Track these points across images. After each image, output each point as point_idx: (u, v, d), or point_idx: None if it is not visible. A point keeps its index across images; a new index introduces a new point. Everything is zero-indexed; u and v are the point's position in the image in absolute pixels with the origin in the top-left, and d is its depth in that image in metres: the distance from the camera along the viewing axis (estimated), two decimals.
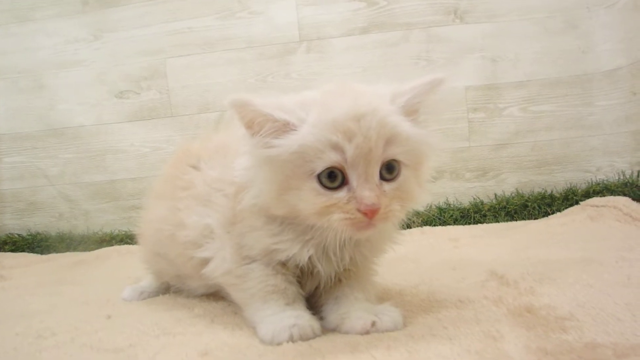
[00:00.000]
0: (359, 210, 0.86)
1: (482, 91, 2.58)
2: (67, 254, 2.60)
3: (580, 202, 2.23)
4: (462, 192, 2.60)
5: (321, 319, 1.02)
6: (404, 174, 0.92)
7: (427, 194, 1.00)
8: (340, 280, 1.06)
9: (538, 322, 0.88)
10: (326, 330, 0.98)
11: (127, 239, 2.66)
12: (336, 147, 0.87)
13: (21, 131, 2.91)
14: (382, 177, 0.90)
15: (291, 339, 0.91)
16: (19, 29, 2.88)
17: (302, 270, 1.03)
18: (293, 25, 2.69)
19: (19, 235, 2.87)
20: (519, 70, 2.55)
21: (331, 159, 0.87)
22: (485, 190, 2.59)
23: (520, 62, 2.55)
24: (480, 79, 2.58)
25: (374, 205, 0.86)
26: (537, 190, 2.51)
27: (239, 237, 1.03)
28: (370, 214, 0.86)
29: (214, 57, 2.76)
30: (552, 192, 2.45)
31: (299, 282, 1.05)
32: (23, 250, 2.76)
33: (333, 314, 1.01)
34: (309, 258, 0.98)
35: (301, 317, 0.96)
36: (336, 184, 0.88)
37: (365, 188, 0.87)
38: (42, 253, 2.70)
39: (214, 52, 2.76)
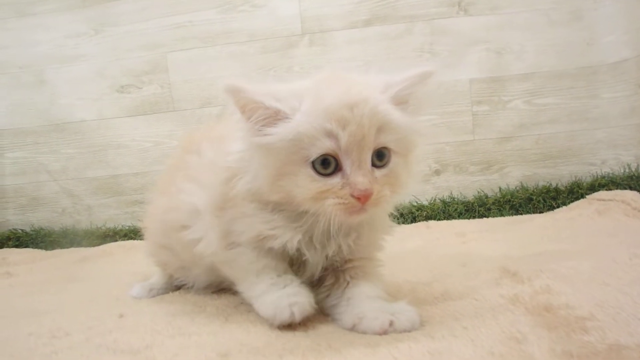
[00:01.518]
0: (352, 196, 0.89)
1: (487, 84, 2.57)
2: (72, 249, 2.59)
3: (586, 196, 2.22)
4: (466, 186, 2.60)
5: (334, 320, 1.03)
6: (394, 160, 0.96)
7: (416, 181, 1.05)
8: (347, 282, 1.07)
9: (559, 323, 0.86)
10: (343, 330, 0.98)
11: (131, 233, 2.66)
12: (330, 135, 0.90)
13: (23, 126, 2.89)
14: (373, 164, 0.93)
15: (292, 317, 0.95)
16: (19, 24, 2.86)
17: (291, 260, 1.06)
18: (295, 18, 2.67)
19: (22, 230, 2.87)
20: (523, 63, 2.54)
21: (326, 146, 0.90)
22: (490, 183, 2.58)
23: (524, 54, 2.54)
24: (484, 71, 2.57)
25: (367, 190, 0.89)
26: (541, 183, 2.50)
27: (229, 224, 1.05)
28: (363, 199, 0.90)
29: (215, 51, 2.74)
30: (557, 185, 2.45)
31: None
32: (27, 246, 2.75)
33: (348, 314, 1.00)
34: (298, 244, 1.00)
35: (299, 294, 0.99)
36: (330, 170, 0.91)
37: (359, 174, 0.90)
38: (45, 248, 2.69)
39: (216, 45, 2.74)
